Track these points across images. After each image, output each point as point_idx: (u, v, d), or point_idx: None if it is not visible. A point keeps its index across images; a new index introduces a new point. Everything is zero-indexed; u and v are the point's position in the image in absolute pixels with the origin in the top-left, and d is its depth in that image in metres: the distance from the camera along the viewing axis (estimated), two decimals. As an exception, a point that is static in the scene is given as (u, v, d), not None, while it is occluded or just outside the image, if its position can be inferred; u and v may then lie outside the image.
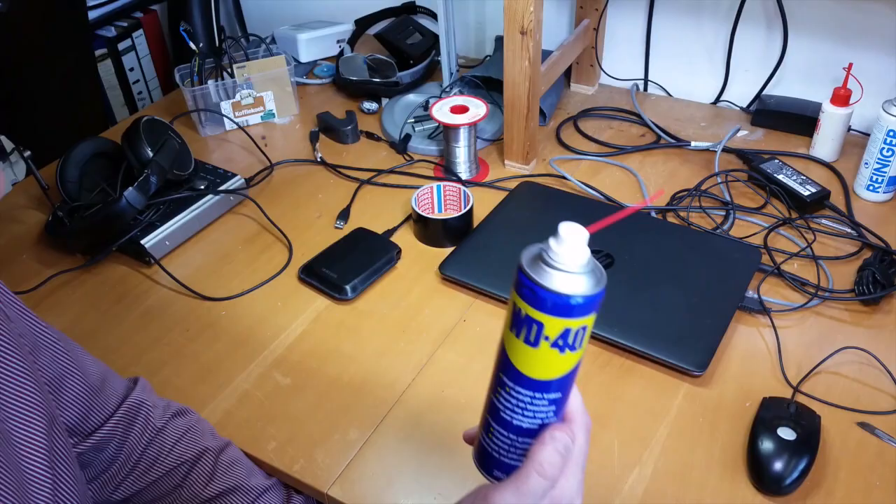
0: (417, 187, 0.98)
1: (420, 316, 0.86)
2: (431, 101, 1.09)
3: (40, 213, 1.03)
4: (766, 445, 0.68)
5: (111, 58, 1.49)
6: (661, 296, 0.84)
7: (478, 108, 1.05)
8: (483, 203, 1.00)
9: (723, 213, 0.98)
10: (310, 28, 1.40)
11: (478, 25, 1.39)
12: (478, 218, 0.97)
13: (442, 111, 1.04)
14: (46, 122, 1.07)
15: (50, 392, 0.56)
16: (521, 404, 0.43)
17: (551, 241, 0.39)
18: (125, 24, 1.53)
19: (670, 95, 1.26)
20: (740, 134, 1.13)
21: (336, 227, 0.99)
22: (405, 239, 0.97)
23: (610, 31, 1.25)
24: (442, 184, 0.99)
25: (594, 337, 0.81)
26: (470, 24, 1.39)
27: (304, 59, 1.37)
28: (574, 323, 0.40)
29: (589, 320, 0.40)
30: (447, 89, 1.21)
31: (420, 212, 0.95)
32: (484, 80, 1.20)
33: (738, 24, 1.13)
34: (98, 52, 1.45)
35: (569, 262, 0.39)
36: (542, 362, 0.41)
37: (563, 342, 0.40)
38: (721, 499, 0.66)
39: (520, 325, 0.41)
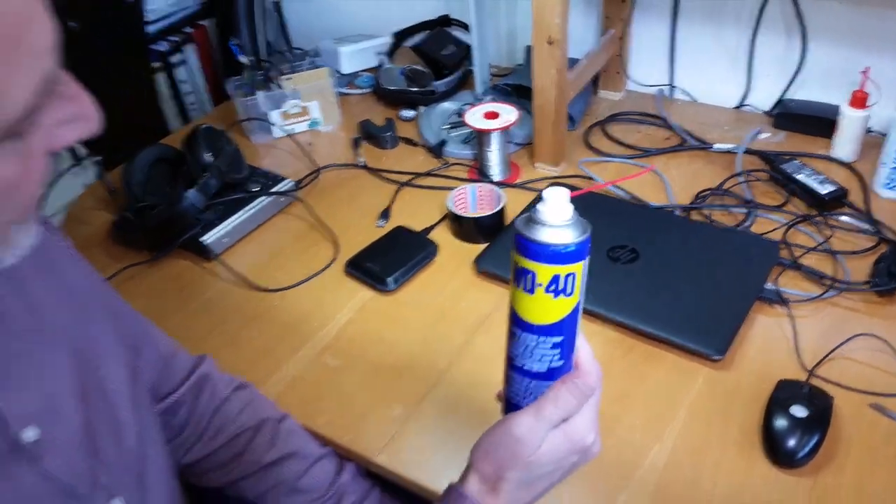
0: (453, 188, 1.05)
1: (457, 306, 0.93)
2: (465, 108, 1.16)
3: (107, 213, 1.12)
4: (780, 422, 0.73)
5: (165, 71, 1.60)
6: (682, 287, 0.90)
7: (509, 113, 1.11)
8: (515, 202, 1.07)
9: (744, 211, 1.03)
10: (351, 41, 1.48)
11: (509, 36, 1.46)
12: (510, 216, 1.04)
13: (475, 117, 1.11)
14: (111, 131, 1.16)
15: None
16: (528, 349, 0.51)
17: (539, 203, 0.47)
18: (177, 39, 1.63)
19: (695, 100, 1.31)
20: (763, 136, 1.18)
21: (378, 226, 1.06)
22: (442, 236, 1.03)
23: (636, 40, 1.31)
24: (476, 185, 1.06)
25: (619, 324, 0.87)
26: (501, 34, 1.46)
27: (345, 70, 1.45)
28: (562, 269, 0.47)
29: (576, 267, 0.48)
30: (480, 97, 1.27)
31: (456, 211, 1.02)
32: (515, 88, 1.27)
33: (759, 31, 1.18)
34: (153, 65, 1.55)
35: (553, 217, 0.47)
36: (539, 307, 0.49)
37: (555, 287, 0.48)
38: (737, 472, 0.72)
39: (518, 277, 0.49)
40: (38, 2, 0.34)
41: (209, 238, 1.01)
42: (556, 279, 0.48)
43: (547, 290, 0.48)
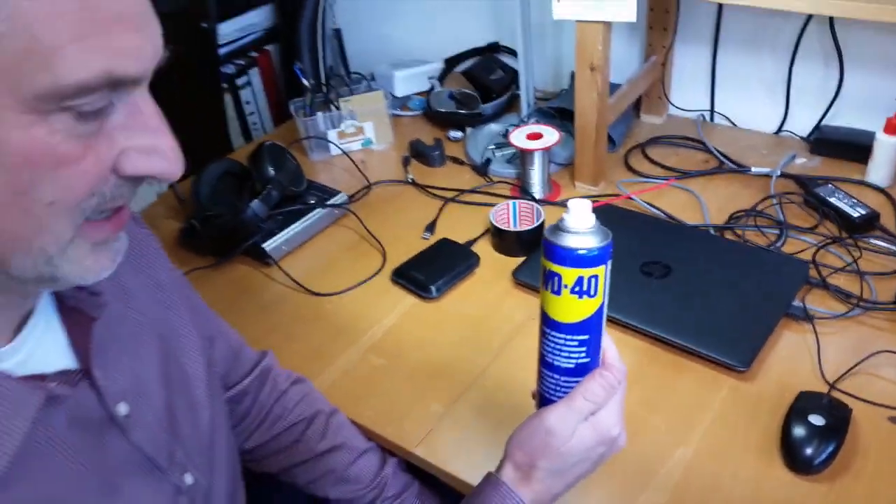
0: (495, 204, 1.11)
1: (495, 314, 0.99)
2: (510, 129, 1.23)
3: (175, 221, 1.22)
4: (798, 429, 0.77)
5: (231, 92, 1.71)
6: (712, 301, 0.94)
7: (551, 135, 1.17)
8: (554, 219, 1.12)
9: (776, 231, 1.06)
10: (405, 66, 1.57)
11: (555, 61, 1.52)
12: (549, 232, 1.10)
13: (519, 138, 1.17)
14: (184, 145, 1.26)
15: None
16: (556, 346, 0.57)
17: (565, 212, 0.53)
18: (243, 63, 1.74)
19: (735, 125, 1.35)
20: (799, 161, 1.21)
21: (423, 238, 1.14)
22: (484, 249, 1.10)
23: (677, 67, 1.36)
24: (517, 201, 1.12)
25: (649, 334, 0.91)
26: (548, 60, 1.53)
27: (399, 93, 1.53)
28: (585, 272, 0.53)
29: (598, 270, 0.54)
30: (525, 119, 1.34)
31: (497, 225, 1.08)
32: (558, 111, 1.33)
33: (796, 59, 1.22)
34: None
35: (576, 224, 0.53)
36: (565, 307, 0.55)
37: (579, 289, 0.54)
38: (755, 475, 0.75)
39: (546, 280, 0.55)
40: (143, 15, 0.40)
41: (269, 245, 1.09)
42: (580, 281, 0.54)
43: (572, 292, 0.54)
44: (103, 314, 0.55)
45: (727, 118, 1.36)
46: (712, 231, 1.09)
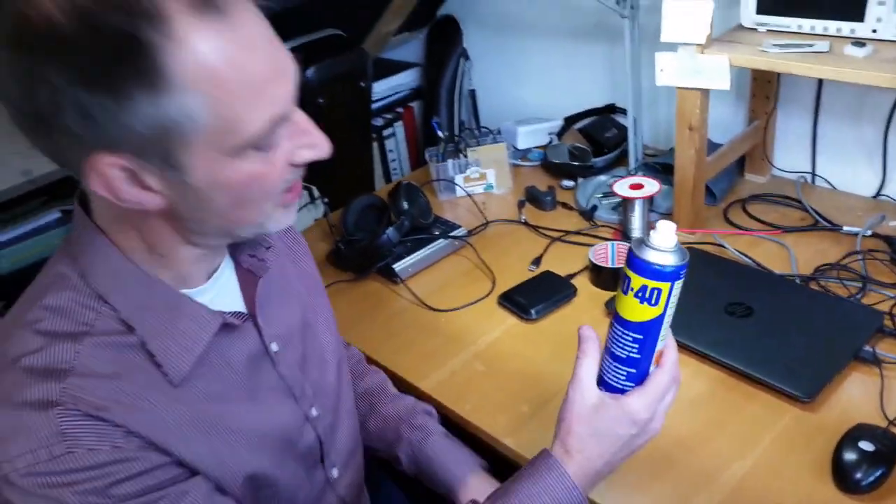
0: (596, 244, 1.26)
1: (586, 337, 1.13)
2: (614, 179, 1.38)
3: (325, 243, 1.45)
4: (849, 453, 0.85)
5: (378, 141, 1.97)
6: (787, 340, 1.03)
7: (652, 186, 1.31)
8: (650, 262, 1.25)
9: (858, 285, 1.14)
10: (529, 123, 1.75)
11: (668, 121, 1.65)
12: (643, 271, 1.23)
13: (622, 187, 1.32)
14: (336, 182, 1.51)
15: None
16: (615, 336, 0.69)
17: (652, 229, 0.65)
18: (390, 117, 2.01)
19: (835, 188, 1.43)
20: (892, 223, 1.27)
21: (529, 270, 1.30)
22: (582, 283, 1.24)
23: (780, 131, 1.46)
24: (616, 243, 1.26)
25: (725, 365, 1.02)
26: (660, 120, 1.66)
27: (521, 146, 1.72)
28: (649, 283, 0.64)
29: (662, 285, 0.64)
30: (631, 172, 1.48)
31: (595, 262, 1.23)
32: (663, 166, 1.46)
33: (891, 127, 1.29)
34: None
35: (655, 241, 0.64)
36: (628, 306, 0.67)
37: (642, 295, 0.65)
38: (805, 492, 0.84)
39: (622, 281, 0.67)
40: (283, 66, 0.59)
41: (398, 266, 1.29)
42: (643, 288, 0.64)
43: (636, 296, 0.65)
44: (265, 275, 0.76)
45: (827, 181, 1.43)
46: (797, 280, 1.17)
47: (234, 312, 0.72)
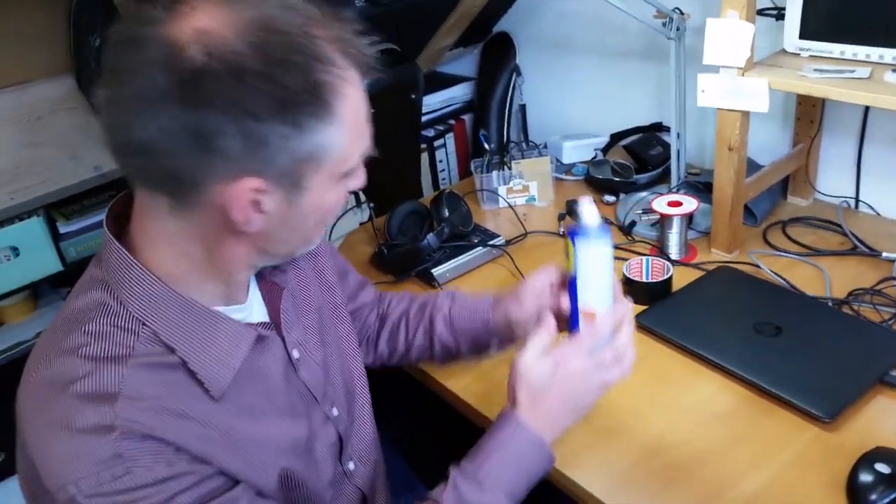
0: (631, 258, 1.29)
1: (613, 348, 1.16)
2: (654, 196, 1.40)
3: (369, 246, 1.51)
4: (864, 475, 0.86)
5: (428, 151, 2.03)
6: (813, 361, 1.04)
7: (690, 204, 1.33)
8: (685, 278, 1.27)
9: (892, 311, 1.13)
10: (575, 138, 1.79)
11: (713, 142, 1.66)
12: (677, 287, 1.25)
13: (660, 204, 1.34)
14: (383, 188, 1.57)
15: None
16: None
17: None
18: (442, 128, 2.07)
19: (879, 214, 1.42)
20: (935, 250, 1.26)
21: (565, 280, 1.33)
22: (615, 295, 1.27)
23: (824, 155, 1.46)
24: (650, 258, 1.29)
25: (747, 381, 1.03)
26: (706, 140, 1.68)
27: (565, 160, 1.76)
28: (569, 244, 0.81)
29: (569, 244, 0.81)
30: (673, 189, 1.50)
31: (629, 275, 1.26)
32: (704, 185, 1.48)
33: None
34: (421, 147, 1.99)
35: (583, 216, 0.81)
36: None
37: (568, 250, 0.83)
38: (816, 505, 0.86)
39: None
40: (365, 134, 0.69)
41: (437, 271, 1.35)
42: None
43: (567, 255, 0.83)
44: (290, 288, 0.83)
45: (871, 207, 1.43)
46: (830, 304, 1.18)
47: (262, 323, 0.79)
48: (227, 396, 0.71)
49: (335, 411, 0.87)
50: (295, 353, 0.82)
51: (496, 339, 1.00)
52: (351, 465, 0.90)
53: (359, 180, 0.71)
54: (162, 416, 0.65)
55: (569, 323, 0.86)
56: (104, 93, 0.61)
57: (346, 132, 0.64)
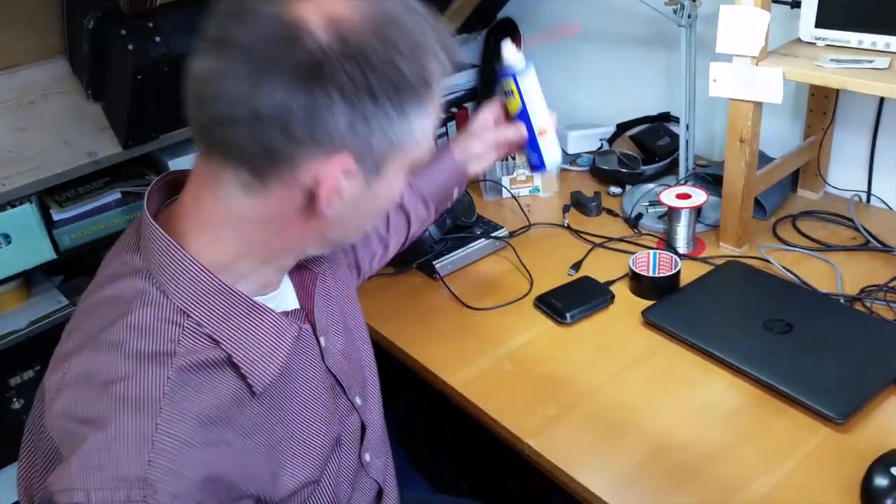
0: (637, 252, 1.26)
1: (618, 345, 1.13)
2: (661, 188, 1.37)
3: (370, 238, 1.49)
4: (879, 479, 0.83)
5: (430, 139, 1.99)
6: (825, 360, 1.01)
7: (699, 196, 1.30)
8: (693, 273, 1.24)
9: (907, 307, 1.10)
10: (581, 128, 1.75)
11: (723, 132, 1.62)
12: (684, 282, 1.22)
13: (669, 196, 1.31)
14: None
15: None
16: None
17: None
18: (444, 116, 2.03)
19: (891, 209, 1.38)
20: (950, 246, 1.23)
21: (568, 274, 1.30)
22: (620, 290, 1.24)
23: (836, 148, 1.42)
24: (657, 251, 1.25)
25: (757, 379, 1.01)
26: (716, 132, 1.64)
27: (570, 150, 1.72)
28: (511, 83, 0.99)
29: (513, 85, 0.99)
30: (681, 181, 1.47)
31: (636, 270, 1.22)
32: (714, 177, 1.44)
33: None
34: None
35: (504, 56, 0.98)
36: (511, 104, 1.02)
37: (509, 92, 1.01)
38: (829, 510, 0.83)
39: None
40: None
41: (438, 263, 1.31)
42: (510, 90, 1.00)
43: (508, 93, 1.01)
44: (319, 280, 0.80)
45: (883, 201, 1.39)
46: (841, 300, 1.15)
47: (294, 310, 0.76)
48: (268, 391, 0.70)
49: (358, 400, 0.85)
50: (322, 341, 0.80)
51: (462, 182, 1.12)
52: (367, 457, 0.88)
53: (414, 173, 0.73)
54: (203, 431, 0.62)
55: (526, 147, 1.03)
56: (206, 62, 0.60)
57: (431, 122, 0.66)
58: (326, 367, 0.79)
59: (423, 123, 0.65)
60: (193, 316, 0.65)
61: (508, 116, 1.03)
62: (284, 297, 0.77)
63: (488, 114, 1.05)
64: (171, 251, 0.65)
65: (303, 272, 0.80)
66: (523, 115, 1.00)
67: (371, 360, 0.93)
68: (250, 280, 0.70)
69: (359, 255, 1.05)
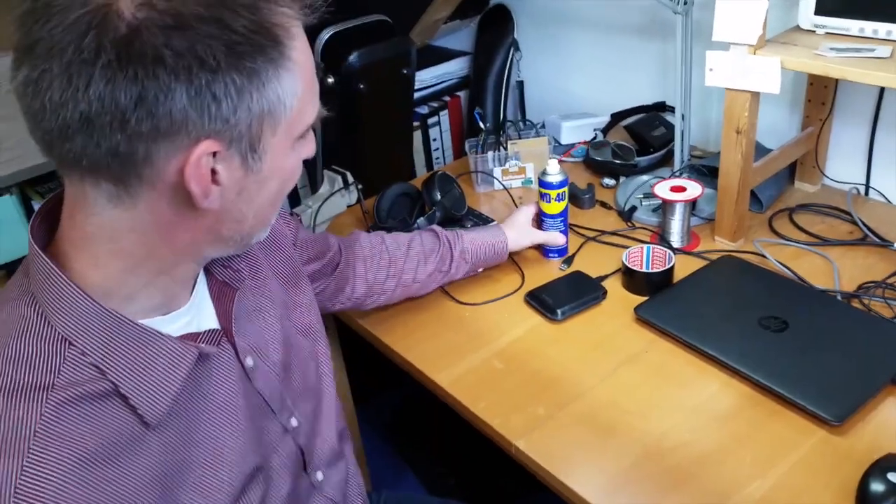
0: (630, 247, 1.23)
1: (610, 342, 1.10)
2: (656, 180, 1.34)
3: (358, 229, 1.45)
4: (876, 484, 0.81)
5: (422, 129, 1.96)
6: (821, 359, 0.99)
7: (695, 189, 1.27)
8: (687, 268, 1.21)
9: (905, 304, 1.08)
10: (574, 118, 1.72)
11: (719, 123, 1.59)
12: (678, 277, 1.19)
13: (663, 189, 1.28)
14: (373, 168, 1.50)
15: None
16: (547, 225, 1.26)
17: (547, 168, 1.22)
18: (436, 105, 1.99)
19: (890, 202, 1.35)
20: (950, 241, 1.20)
21: (560, 269, 1.27)
22: (613, 285, 1.21)
23: (834, 139, 1.39)
24: (651, 246, 1.22)
25: (752, 380, 0.98)
26: (712, 122, 1.61)
27: (564, 141, 1.69)
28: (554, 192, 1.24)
29: (551, 192, 1.23)
30: (676, 173, 1.44)
31: (628, 265, 1.20)
32: (709, 169, 1.41)
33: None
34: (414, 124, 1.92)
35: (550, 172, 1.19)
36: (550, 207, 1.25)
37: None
38: (824, 516, 0.81)
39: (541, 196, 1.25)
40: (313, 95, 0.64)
41: (427, 257, 1.28)
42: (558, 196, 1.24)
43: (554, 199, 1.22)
44: (242, 288, 0.75)
45: (882, 194, 1.36)
46: (839, 297, 1.12)
47: (209, 331, 0.71)
48: (167, 421, 0.64)
49: (294, 422, 0.80)
50: (249, 361, 0.74)
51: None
52: (319, 476, 0.84)
53: (311, 145, 0.67)
54: (82, 470, 0.57)
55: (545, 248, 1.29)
56: (22, 74, 0.54)
57: (300, 79, 0.60)
58: (256, 388, 0.75)
59: (287, 84, 0.59)
60: (77, 344, 0.60)
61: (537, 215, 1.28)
62: (201, 316, 0.71)
63: (530, 213, 1.28)
64: (52, 276, 0.60)
65: (221, 288, 0.75)
66: (560, 216, 1.27)
67: (327, 369, 0.89)
68: (145, 298, 0.64)
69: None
